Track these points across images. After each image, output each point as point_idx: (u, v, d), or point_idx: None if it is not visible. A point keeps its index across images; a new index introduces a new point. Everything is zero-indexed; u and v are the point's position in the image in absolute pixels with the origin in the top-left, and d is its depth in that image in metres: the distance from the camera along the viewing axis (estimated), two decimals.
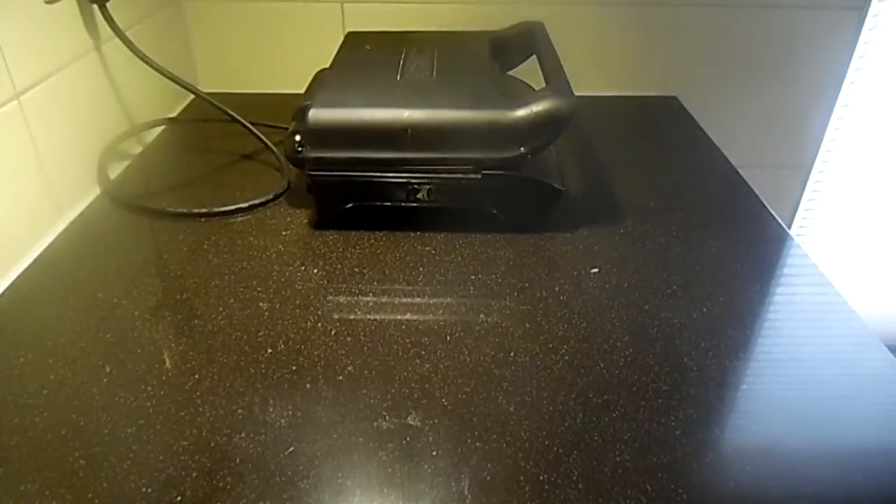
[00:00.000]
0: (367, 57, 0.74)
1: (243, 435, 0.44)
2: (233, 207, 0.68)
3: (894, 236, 1.17)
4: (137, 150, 0.80)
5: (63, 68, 0.66)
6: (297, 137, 0.62)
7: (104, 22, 0.69)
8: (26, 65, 0.60)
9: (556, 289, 0.58)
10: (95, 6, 0.69)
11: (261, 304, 0.55)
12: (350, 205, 0.65)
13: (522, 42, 0.77)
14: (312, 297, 0.56)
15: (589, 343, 0.52)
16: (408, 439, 0.44)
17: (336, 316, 0.54)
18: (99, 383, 0.47)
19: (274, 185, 0.71)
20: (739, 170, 0.77)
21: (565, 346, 0.51)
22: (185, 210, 0.67)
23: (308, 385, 0.48)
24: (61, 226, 0.65)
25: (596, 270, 0.60)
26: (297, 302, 0.55)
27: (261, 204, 0.69)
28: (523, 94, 0.63)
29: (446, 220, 0.65)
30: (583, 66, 0.72)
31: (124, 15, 0.72)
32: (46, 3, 0.63)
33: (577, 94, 0.61)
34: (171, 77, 0.73)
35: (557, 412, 0.46)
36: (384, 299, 0.56)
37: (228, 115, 0.75)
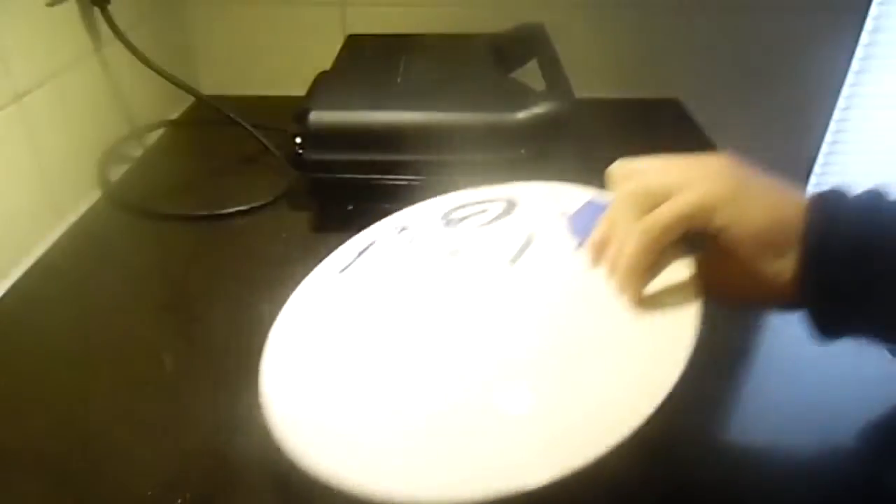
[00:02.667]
0: (367, 59, 0.75)
1: (245, 437, 0.43)
2: (233, 210, 0.68)
3: None
4: (138, 152, 0.80)
5: (64, 71, 0.66)
6: (298, 140, 0.62)
7: (105, 24, 0.69)
8: (27, 67, 0.60)
9: None
10: (96, 8, 0.69)
11: (261, 306, 0.55)
12: (350, 207, 0.65)
13: (523, 44, 0.77)
14: None
15: None
16: None
17: None
18: (99, 386, 0.47)
19: (274, 187, 0.71)
20: None
21: None
22: (185, 212, 0.67)
23: None
24: (61, 228, 0.65)
25: None
26: None
27: (261, 206, 0.69)
28: (524, 96, 0.63)
29: None
30: (584, 69, 0.72)
31: (125, 17, 0.72)
32: (47, 5, 0.63)
33: (578, 96, 0.61)
34: (172, 79, 0.73)
35: None
36: None
37: (229, 117, 0.75)
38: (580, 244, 0.45)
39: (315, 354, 0.42)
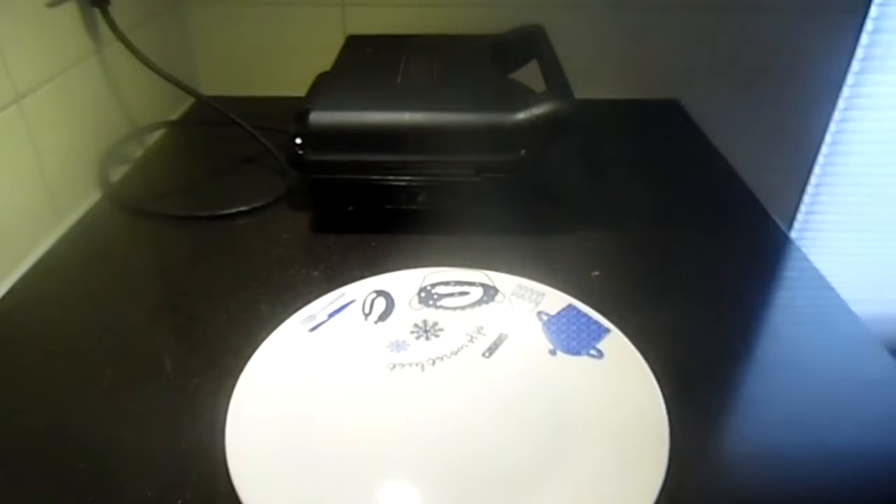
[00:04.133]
0: (367, 60, 0.75)
1: None
2: (233, 210, 0.68)
3: (894, 239, 1.17)
4: (138, 153, 0.80)
5: (64, 71, 0.66)
6: (298, 140, 0.62)
7: (105, 25, 0.69)
8: (27, 68, 0.60)
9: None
10: (96, 9, 0.69)
11: (261, 306, 0.55)
12: (350, 207, 0.65)
13: (523, 45, 0.77)
14: (313, 299, 0.56)
15: None
16: None
17: None
18: (99, 386, 0.47)
19: (274, 187, 0.71)
20: (740, 173, 0.77)
21: None
22: (185, 213, 0.67)
23: None
24: (62, 229, 0.65)
25: (597, 273, 0.60)
26: (298, 304, 0.55)
27: (261, 207, 0.69)
28: (524, 97, 0.63)
29: (446, 223, 0.65)
30: (584, 70, 0.72)
31: (126, 18, 0.72)
32: (48, 6, 0.63)
33: (578, 97, 0.61)
34: (173, 80, 0.73)
35: None
36: None
37: (229, 118, 0.75)
38: (553, 350, 0.46)
39: (274, 422, 0.42)
